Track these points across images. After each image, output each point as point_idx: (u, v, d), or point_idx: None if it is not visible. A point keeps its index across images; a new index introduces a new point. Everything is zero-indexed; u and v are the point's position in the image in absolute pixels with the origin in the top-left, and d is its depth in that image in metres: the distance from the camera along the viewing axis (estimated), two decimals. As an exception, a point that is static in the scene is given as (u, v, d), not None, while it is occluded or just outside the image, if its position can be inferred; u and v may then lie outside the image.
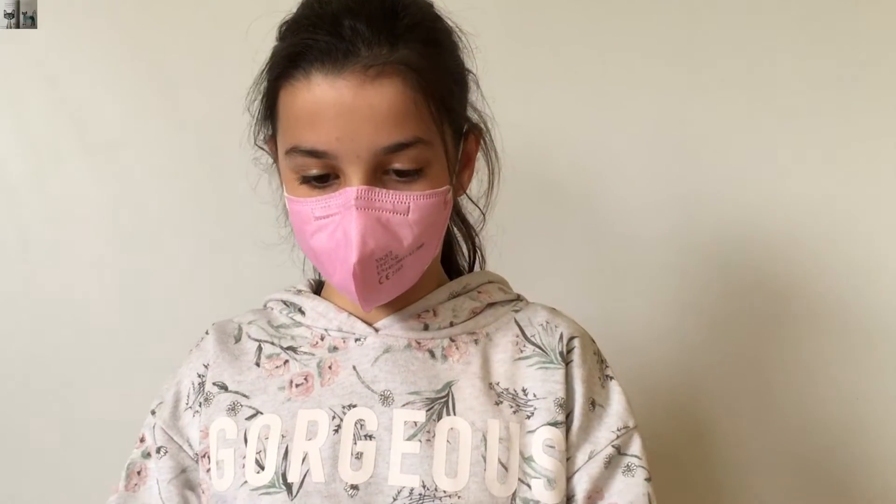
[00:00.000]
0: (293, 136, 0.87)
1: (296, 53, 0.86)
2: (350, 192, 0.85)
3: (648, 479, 0.95)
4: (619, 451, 0.95)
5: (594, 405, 0.96)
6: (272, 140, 0.96)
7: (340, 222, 0.86)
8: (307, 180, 0.88)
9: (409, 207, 0.87)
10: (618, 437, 0.95)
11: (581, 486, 0.93)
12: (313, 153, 0.86)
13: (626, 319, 1.44)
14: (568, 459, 0.93)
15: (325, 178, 0.87)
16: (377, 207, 0.86)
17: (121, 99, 1.39)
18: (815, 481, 1.45)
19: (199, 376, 0.98)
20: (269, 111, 0.92)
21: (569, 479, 0.94)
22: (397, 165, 0.86)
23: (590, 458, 0.94)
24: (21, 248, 1.39)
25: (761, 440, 1.45)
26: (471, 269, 1.11)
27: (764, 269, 1.45)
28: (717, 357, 1.45)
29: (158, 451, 0.97)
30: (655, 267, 1.44)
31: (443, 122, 0.90)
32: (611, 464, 0.94)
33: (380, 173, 0.87)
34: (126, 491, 0.97)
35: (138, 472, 0.98)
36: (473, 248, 1.10)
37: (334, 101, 0.84)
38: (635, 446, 0.96)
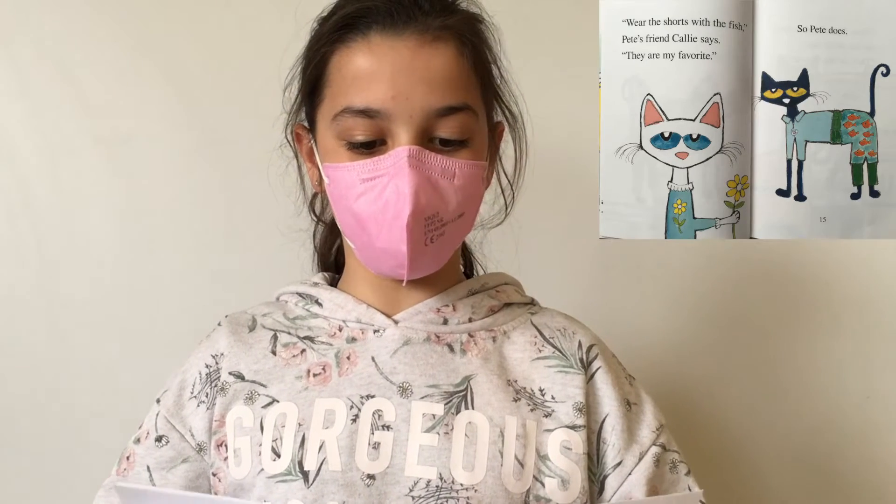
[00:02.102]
0: (345, 97, 0.89)
1: (355, 17, 0.89)
2: (402, 150, 0.87)
3: (689, 473, 0.98)
4: (665, 448, 0.97)
5: (630, 405, 0.98)
6: (305, 129, 0.97)
7: (390, 181, 0.87)
8: (353, 147, 0.89)
9: (454, 173, 0.89)
10: (658, 434, 0.97)
11: (639, 488, 0.94)
12: (366, 112, 0.87)
13: (634, 320, 1.45)
14: (619, 464, 0.95)
15: (371, 145, 0.89)
16: (427, 168, 0.88)
17: (133, 92, 1.39)
18: (825, 481, 1.46)
19: (207, 366, 0.98)
20: (315, 82, 0.93)
21: (604, 479, 0.95)
22: (444, 133, 0.89)
23: (640, 459, 0.95)
24: (34, 240, 1.39)
25: (770, 440, 1.46)
26: (468, 271, 1.11)
27: (772, 268, 1.46)
28: (726, 357, 1.46)
29: (159, 440, 0.97)
30: (664, 267, 1.45)
31: (485, 98, 0.94)
32: (660, 462, 0.96)
33: (426, 140, 0.89)
34: (117, 475, 0.98)
35: (128, 458, 0.98)
36: (465, 250, 1.10)
37: (392, 61, 0.87)
38: (672, 441, 0.99)
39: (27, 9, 1.37)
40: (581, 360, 0.97)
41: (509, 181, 1.05)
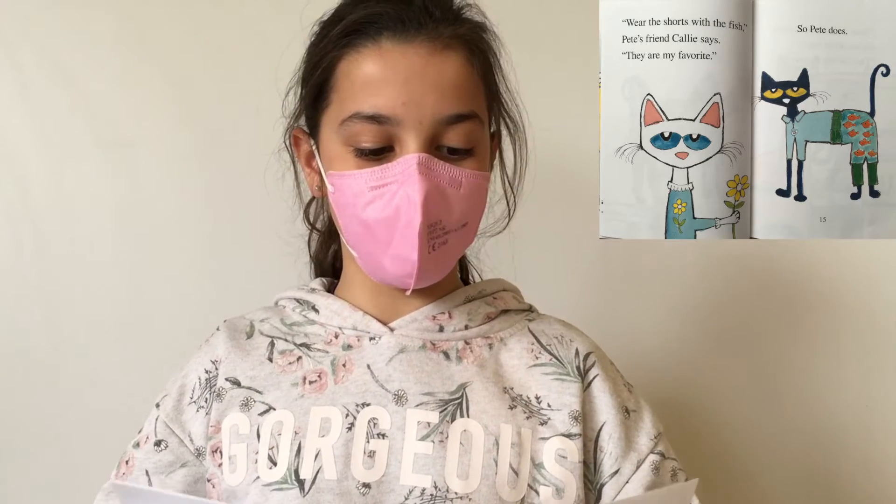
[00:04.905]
0: (354, 102, 0.88)
1: (365, 22, 0.89)
2: (411, 158, 0.87)
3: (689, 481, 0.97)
4: (664, 456, 0.97)
5: (628, 412, 0.97)
6: (305, 133, 0.97)
7: (399, 189, 0.87)
8: (360, 154, 0.89)
9: (461, 182, 0.89)
10: (656, 442, 0.97)
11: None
12: (375, 118, 0.87)
13: (634, 320, 1.45)
14: (616, 472, 0.95)
15: (379, 152, 0.88)
16: (436, 176, 0.88)
17: (134, 97, 1.39)
18: (824, 485, 1.46)
19: (207, 372, 0.98)
20: (321, 87, 0.92)
21: (601, 487, 0.95)
22: (451, 142, 0.89)
23: (637, 466, 0.95)
24: (36, 244, 1.39)
25: (769, 444, 1.46)
26: (465, 279, 1.10)
27: (772, 268, 1.45)
28: (726, 357, 1.46)
29: (158, 444, 0.97)
30: (664, 267, 1.45)
31: (489, 107, 0.94)
32: (659, 470, 0.96)
33: (433, 147, 0.88)
34: (116, 480, 0.98)
35: (126, 462, 0.98)
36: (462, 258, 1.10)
37: (404, 67, 0.87)
38: (671, 449, 0.98)
39: (28, 12, 1.37)
40: (578, 367, 0.97)
41: (511, 189, 1.04)
